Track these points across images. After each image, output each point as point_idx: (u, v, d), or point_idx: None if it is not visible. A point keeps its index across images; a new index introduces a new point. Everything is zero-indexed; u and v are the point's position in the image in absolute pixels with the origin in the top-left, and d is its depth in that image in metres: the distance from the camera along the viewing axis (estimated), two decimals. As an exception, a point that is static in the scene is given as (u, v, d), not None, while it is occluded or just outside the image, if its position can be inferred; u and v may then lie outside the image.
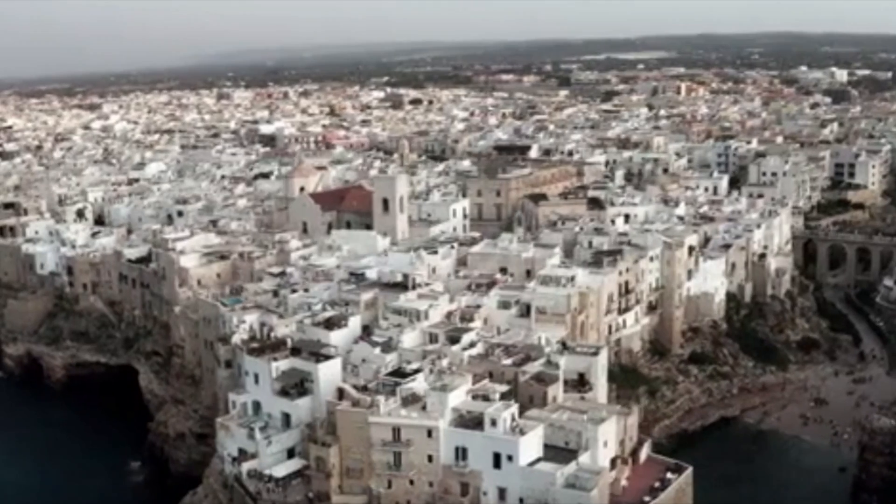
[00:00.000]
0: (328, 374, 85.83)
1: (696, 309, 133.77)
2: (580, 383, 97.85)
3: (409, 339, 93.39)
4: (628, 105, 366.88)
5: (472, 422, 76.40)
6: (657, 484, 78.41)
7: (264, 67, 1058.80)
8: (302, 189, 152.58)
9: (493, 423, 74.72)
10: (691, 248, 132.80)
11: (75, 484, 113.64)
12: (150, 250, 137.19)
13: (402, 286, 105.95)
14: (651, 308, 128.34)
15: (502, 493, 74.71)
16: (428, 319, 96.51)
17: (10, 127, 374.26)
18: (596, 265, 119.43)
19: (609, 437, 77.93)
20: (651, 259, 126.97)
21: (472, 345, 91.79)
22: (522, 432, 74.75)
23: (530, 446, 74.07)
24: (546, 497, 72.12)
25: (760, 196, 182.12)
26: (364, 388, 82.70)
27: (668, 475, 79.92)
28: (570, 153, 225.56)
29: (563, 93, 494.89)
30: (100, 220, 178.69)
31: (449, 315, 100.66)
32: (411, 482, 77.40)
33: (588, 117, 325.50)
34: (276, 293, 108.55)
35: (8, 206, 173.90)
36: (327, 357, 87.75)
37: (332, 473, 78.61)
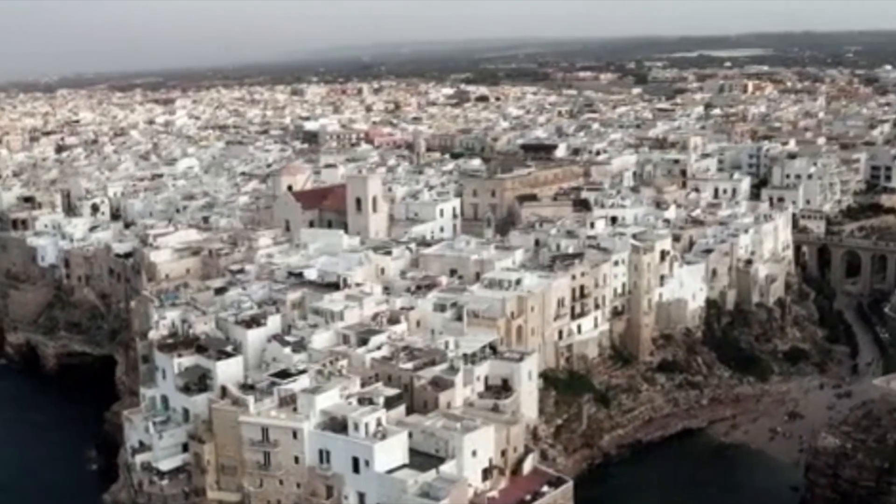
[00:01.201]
0: (227, 372, 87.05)
1: (668, 316, 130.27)
2: (504, 389, 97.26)
3: (321, 339, 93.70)
4: (688, 104, 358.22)
5: (339, 425, 76.32)
6: (528, 497, 76.93)
7: (358, 63, 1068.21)
8: (290, 187, 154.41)
9: (356, 427, 74.53)
10: (664, 253, 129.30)
11: (36, 469, 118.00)
12: (134, 246, 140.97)
13: (336, 286, 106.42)
14: (616, 313, 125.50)
15: (362, 497, 74.56)
16: (343, 320, 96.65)
17: (77, 121, 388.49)
18: (550, 268, 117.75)
19: (480, 446, 76.64)
20: (616, 263, 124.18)
21: (378, 347, 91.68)
22: (384, 437, 74.41)
23: (389, 452, 73.59)
24: (400, 504, 71.72)
25: (781, 199, 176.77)
26: (251, 388, 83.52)
27: (546, 488, 78.26)
28: (598, 153, 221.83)
29: (636, 91, 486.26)
30: (116, 215, 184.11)
31: (375, 316, 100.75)
32: (280, 482, 77.94)
33: (638, 116, 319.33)
34: (219, 291, 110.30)
35: (27, 199, 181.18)
36: (229, 355, 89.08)
37: (208, 470, 79.84)
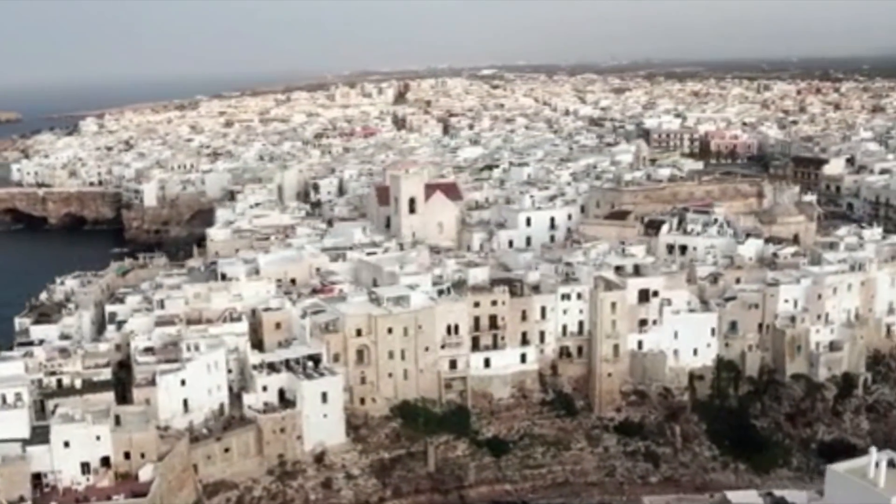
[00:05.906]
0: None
1: (643, 369, 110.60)
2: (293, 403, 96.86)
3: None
4: None
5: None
6: (106, 496, 78.82)
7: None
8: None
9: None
10: (647, 293, 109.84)
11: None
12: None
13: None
14: (565, 354, 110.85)
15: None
16: (164, 308, 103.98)
17: (502, 105, 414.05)
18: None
19: (77, 440, 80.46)
20: (565, 297, 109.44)
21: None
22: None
23: (5, 423, 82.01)
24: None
25: None
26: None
27: (121, 496, 78.93)
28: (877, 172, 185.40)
29: None
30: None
31: (224, 311, 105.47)
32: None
33: None
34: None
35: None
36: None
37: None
